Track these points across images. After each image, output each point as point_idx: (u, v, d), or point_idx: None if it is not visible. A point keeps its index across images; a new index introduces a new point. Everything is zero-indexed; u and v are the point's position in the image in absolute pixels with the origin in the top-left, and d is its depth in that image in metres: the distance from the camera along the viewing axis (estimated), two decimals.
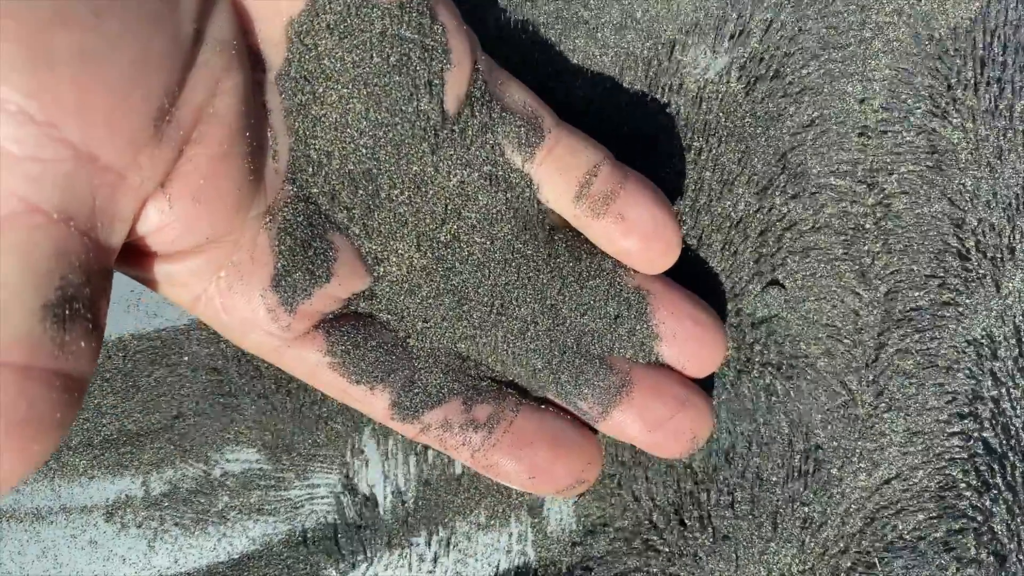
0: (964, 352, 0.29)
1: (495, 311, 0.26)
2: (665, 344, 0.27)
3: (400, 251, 0.25)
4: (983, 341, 0.29)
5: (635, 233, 0.26)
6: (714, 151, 0.30)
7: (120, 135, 0.19)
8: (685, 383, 0.27)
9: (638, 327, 0.27)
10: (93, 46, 0.18)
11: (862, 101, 0.30)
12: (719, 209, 0.30)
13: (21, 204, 0.17)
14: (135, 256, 0.22)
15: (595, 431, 0.28)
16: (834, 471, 0.29)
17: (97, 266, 0.19)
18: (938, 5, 0.29)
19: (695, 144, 0.30)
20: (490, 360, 0.27)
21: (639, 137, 0.30)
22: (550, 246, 0.27)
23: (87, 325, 0.19)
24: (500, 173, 0.25)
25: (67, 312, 0.18)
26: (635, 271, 0.27)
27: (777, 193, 0.29)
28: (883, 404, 0.29)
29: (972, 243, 0.29)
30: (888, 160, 0.29)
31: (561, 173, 0.26)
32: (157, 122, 0.20)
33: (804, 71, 0.30)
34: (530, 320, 0.26)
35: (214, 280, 0.23)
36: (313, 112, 0.24)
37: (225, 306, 0.23)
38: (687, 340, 0.27)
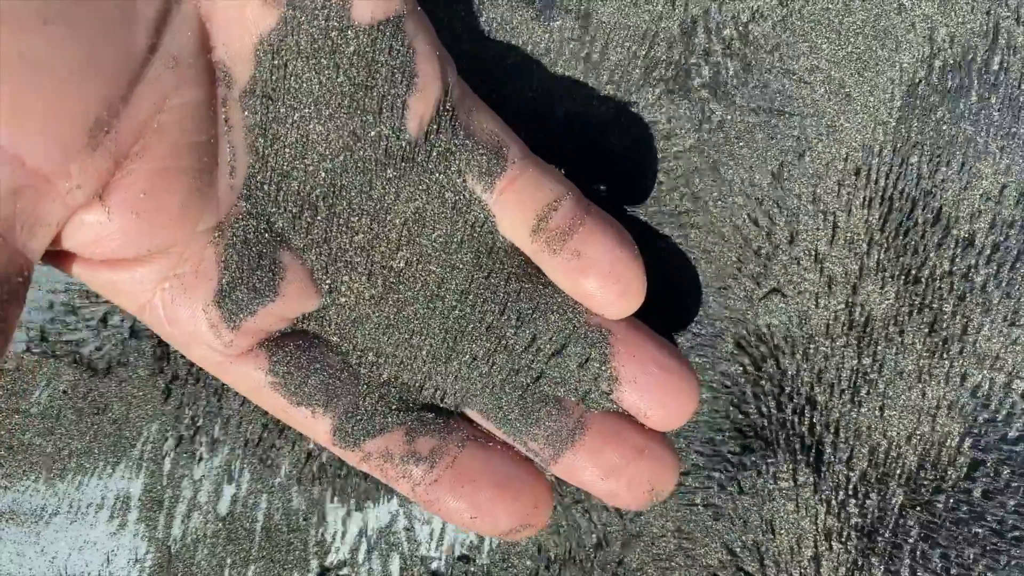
0: None
1: (447, 346, 0.26)
2: (626, 389, 0.25)
3: (350, 279, 0.25)
4: None
5: (592, 273, 0.25)
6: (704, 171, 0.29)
7: (51, 141, 0.19)
8: (646, 430, 0.26)
9: (596, 369, 0.25)
10: (35, 51, 0.18)
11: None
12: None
13: None
14: (80, 263, 0.22)
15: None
16: None
17: (9, 270, 0.19)
18: None
19: (679, 165, 0.29)
20: (438, 395, 0.26)
21: (628, 155, 0.29)
22: (508, 280, 0.26)
23: None
24: (460, 201, 0.25)
25: None
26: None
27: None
28: None
29: None
30: None
31: (520, 206, 0.25)
32: (93, 132, 0.20)
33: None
34: (482, 356, 0.26)
35: (159, 291, 0.23)
36: (273, 131, 0.23)
37: (169, 318, 0.23)
38: (651, 387, 0.25)
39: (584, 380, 0.26)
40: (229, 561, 0.30)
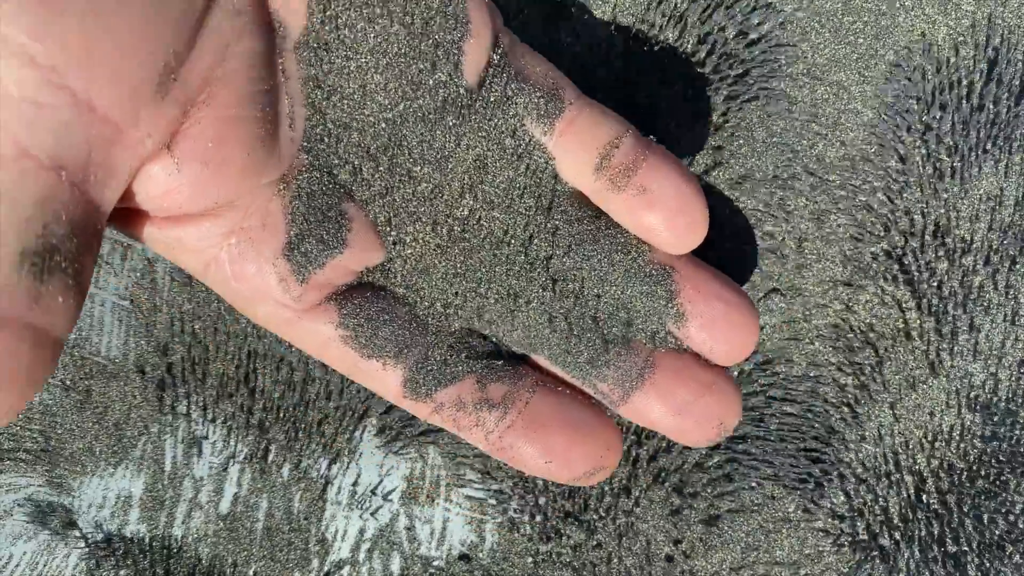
0: None
1: (513, 292, 0.26)
2: (692, 326, 0.25)
3: (415, 230, 0.25)
4: None
5: (657, 207, 0.24)
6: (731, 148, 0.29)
7: (122, 88, 0.19)
8: (711, 366, 0.26)
9: (663, 307, 0.25)
10: None
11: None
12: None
13: (13, 147, 0.17)
14: (145, 220, 0.22)
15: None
16: None
17: (85, 221, 0.19)
18: None
19: (715, 139, 0.29)
20: (507, 340, 0.26)
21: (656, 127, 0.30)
22: (571, 223, 0.26)
23: (67, 281, 0.18)
24: (520, 146, 0.25)
25: (46, 263, 0.18)
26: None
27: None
28: None
29: None
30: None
31: (581, 145, 0.25)
32: (162, 79, 0.19)
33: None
34: (550, 301, 0.26)
35: (225, 246, 0.23)
36: (330, 83, 0.23)
37: (235, 274, 0.23)
38: (716, 322, 0.25)
39: (651, 319, 0.26)
40: (230, 560, 0.30)
